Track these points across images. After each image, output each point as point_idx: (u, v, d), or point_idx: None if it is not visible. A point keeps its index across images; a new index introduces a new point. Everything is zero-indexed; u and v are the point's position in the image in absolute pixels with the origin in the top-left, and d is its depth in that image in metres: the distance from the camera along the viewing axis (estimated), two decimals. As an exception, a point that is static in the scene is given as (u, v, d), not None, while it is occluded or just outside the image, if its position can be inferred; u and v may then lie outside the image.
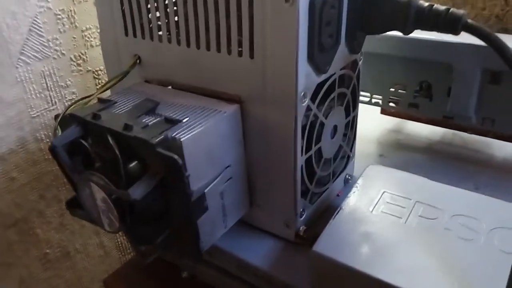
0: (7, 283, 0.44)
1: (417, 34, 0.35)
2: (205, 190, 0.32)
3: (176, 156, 0.28)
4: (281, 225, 0.37)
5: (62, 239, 0.49)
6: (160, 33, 0.36)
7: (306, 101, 0.32)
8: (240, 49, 0.32)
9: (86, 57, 0.45)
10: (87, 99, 0.37)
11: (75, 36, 0.44)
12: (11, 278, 0.45)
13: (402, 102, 0.47)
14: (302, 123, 0.33)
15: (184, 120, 0.31)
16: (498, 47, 0.29)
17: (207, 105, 0.34)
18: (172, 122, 0.31)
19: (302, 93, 0.31)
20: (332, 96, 0.36)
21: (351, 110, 0.40)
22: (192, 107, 0.33)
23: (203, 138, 0.31)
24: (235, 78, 0.33)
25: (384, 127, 0.55)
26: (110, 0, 0.38)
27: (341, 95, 0.38)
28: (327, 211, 0.41)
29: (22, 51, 0.40)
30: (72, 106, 0.35)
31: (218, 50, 0.33)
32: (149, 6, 0.36)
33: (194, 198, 0.30)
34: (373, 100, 0.50)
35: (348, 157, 0.44)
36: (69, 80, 0.45)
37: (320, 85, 0.34)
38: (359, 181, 0.37)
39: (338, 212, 0.33)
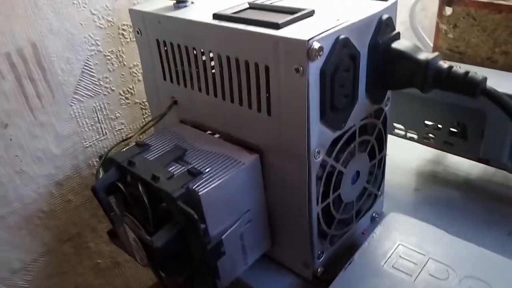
0: (63, 290, 0.51)
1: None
2: (223, 237, 0.34)
3: (192, 212, 0.31)
4: (300, 264, 0.39)
5: (112, 251, 0.55)
6: (192, 82, 0.39)
7: (320, 157, 0.33)
8: (259, 105, 0.34)
9: (134, 90, 0.50)
10: (127, 141, 0.41)
11: (123, 73, 0.48)
12: (67, 285, 0.51)
13: (437, 139, 0.46)
14: (318, 174, 0.34)
15: (206, 171, 0.34)
16: (510, 111, 0.29)
17: (229, 153, 0.36)
18: (193, 175, 0.33)
19: (316, 150, 0.33)
20: (352, 145, 0.37)
21: (377, 153, 0.41)
22: (215, 155, 0.36)
23: (221, 189, 0.33)
24: (255, 129, 0.35)
25: (423, 157, 0.54)
26: (150, 47, 0.41)
27: (364, 143, 0.38)
28: (350, 249, 0.42)
29: (76, 90, 0.45)
30: (114, 149, 0.39)
31: (241, 104, 0.35)
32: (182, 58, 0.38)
33: (211, 245, 0.33)
34: (408, 135, 0.49)
35: (376, 195, 0.44)
36: (118, 112, 0.49)
37: (337, 139, 0.35)
38: (377, 230, 0.37)
39: (350, 263, 0.35)
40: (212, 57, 0.36)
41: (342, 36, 0.30)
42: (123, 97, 0.49)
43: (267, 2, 0.37)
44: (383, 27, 0.33)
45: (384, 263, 0.34)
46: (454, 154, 0.47)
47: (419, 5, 0.51)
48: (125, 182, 0.37)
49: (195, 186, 0.33)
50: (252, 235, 0.38)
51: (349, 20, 0.31)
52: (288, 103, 0.31)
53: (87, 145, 0.47)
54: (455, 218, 0.45)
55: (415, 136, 0.49)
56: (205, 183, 0.33)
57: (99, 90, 0.47)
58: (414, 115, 0.47)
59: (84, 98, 0.46)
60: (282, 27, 0.30)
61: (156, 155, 0.37)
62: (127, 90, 0.49)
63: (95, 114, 0.47)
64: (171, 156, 0.37)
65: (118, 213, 0.37)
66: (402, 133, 0.50)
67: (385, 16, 0.33)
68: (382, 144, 0.41)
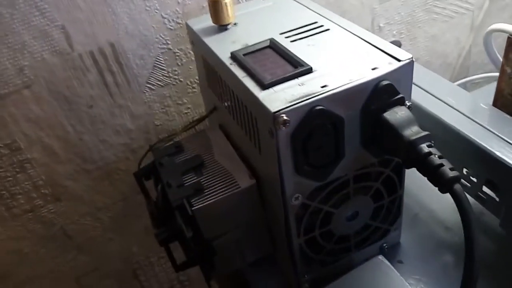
0: (136, 228, 0.65)
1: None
2: (214, 243, 0.41)
3: (182, 225, 0.38)
4: (289, 275, 0.44)
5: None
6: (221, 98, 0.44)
7: (299, 201, 0.36)
8: (255, 142, 0.37)
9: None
10: (173, 136, 0.49)
11: (191, 67, 0.55)
12: (139, 224, 0.65)
13: (471, 190, 0.43)
14: (299, 213, 0.37)
15: (209, 186, 0.40)
16: (467, 225, 0.28)
17: (235, 173, 0.41)
18: (196, 189, 0.40)
19: (294, 196, 0.35)
20: (345, 191, 0.38)
21: (385, 196, 0.41)
22: (223, 172, 0.42)
23: (215, 206, 0.39)
24: (255, 159, 0.39)
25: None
26: (199, 58, 0.46)
27: (365, 187, 0.39)
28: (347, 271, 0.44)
29: (148, 81, 0.53)
30: (156, 144, 0.48)
31: (246, 134, 0.39)
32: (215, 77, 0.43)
33: (201, 248, 0.40)
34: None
35: (387, 230, 0.44)
36: (185, 99, 0.57)
37: (325, 185, 0.37)
38: (356, 270, 0.39)
39: (312, 296, 0.38)
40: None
41: (317, 107, 0.31)
42: (190, 86, 0.56)
43: (288, 41, 0.38)
44: (379, 94, 0.32)
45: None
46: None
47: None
48: (156, 175, 0.46)
49: (192, 200, 0.39)
50: (249, 242, 0.43)
51: (335, 89, 0.31)
52: (267, 153, 0.35)
53: (158, 124, 0.57)
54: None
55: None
56: (202, 199, 0.39)
57: (168, 81, 0.54)
58: (453, 157, 0.44)
59: (155, 87, 0.54)
60: (266, 88, 0.33)
61: (183, 159, 0.44)
62: (194, 81, 0.56)
63: (165, 100, 0.55)
64: (192, 163, 0.43)
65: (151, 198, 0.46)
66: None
67: (384, 83, 0.32)
68: (394, 188, 0.41)
